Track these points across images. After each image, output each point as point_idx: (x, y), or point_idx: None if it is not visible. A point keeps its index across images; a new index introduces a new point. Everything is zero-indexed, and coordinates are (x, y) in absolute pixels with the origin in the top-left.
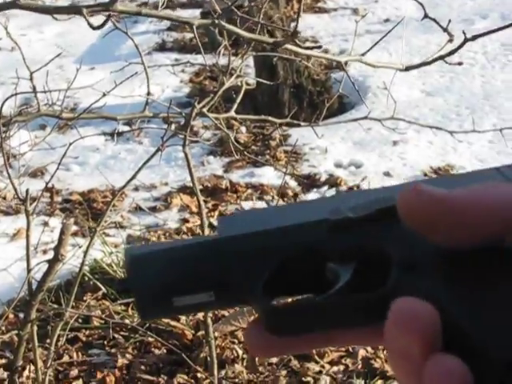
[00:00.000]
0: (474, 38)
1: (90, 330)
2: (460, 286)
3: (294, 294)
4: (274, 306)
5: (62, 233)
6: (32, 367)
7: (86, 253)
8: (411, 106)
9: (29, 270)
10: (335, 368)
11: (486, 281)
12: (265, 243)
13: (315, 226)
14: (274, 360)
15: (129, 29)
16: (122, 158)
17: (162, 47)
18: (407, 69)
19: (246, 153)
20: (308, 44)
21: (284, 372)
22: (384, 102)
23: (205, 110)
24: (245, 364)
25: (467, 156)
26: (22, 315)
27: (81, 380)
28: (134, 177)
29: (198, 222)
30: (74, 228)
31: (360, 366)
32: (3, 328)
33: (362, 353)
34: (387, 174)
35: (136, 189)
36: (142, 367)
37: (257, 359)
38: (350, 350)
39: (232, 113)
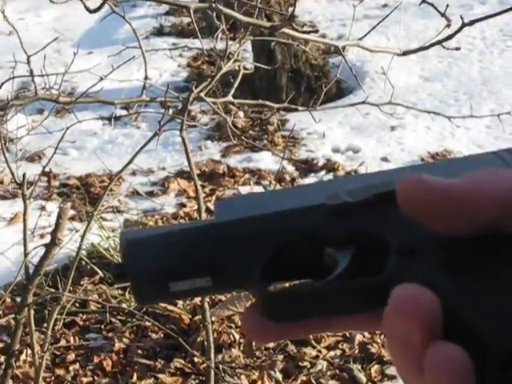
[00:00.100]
0: (472, 22)
1: (87, 315)
2: (460, 273)
3: (292, 279)
4: (271, 291)
5: (59, 217)
6: (29, 351)
7: (83, 237)
8: (409, 92)
9: (26, 254)
10: (332, 353)
11: (486, 268)
12: (262, 228)
13: (313, 211)
14: (271, 345)
15: (127, 13)
16: (120, 143)
17: (159, 31)
18: (405, 53)
19: (243, 137)
20: (306, 29)
21: (281, 357)
22: (382, 87)
23: (202, 94)
24: (242, 348)
25: (465, 141)
26: (19, 299)
27: (78, 364)
28: (131, 161)
29: (196, 207)
30: (72, 212)
31: (357, 351)
32: (0, 312)
33: (358, 338)
34: (385, 159)
35: (133, 173)
36: (139, 351)
37: (254, 344)
38: (347, 334)
39: (229, 97)
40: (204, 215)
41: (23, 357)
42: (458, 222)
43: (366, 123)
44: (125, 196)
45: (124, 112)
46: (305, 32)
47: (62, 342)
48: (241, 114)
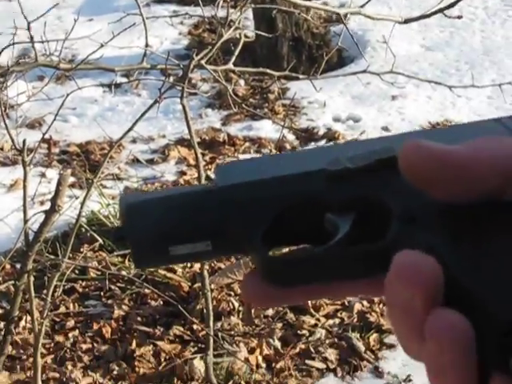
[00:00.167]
0: None
1: (86, 282)
2: (461, 241)
3: (292, 244)
4: (272, 256)
5: (59, 183)
6: (28, 317)
7: (82, 204)
8: (411, 61)
9: (26, 221)
10: (331, 321)
11: (486, 235)
12: (263, 192)
13: (313, 176)
14: (270, 313)
15: None
16: (120, 110)
17: None
18: (406, 21)
19: (244, 105)
20: None
21: (280, 325)
22: (383, 56)
23: (203, 61)
24: (241, 316)
25: (466, 111)
26: (18, 266)
27: (77, 331)
28: (131, 128)
29: (196, 175)
30: (72, 179)
31: (355, 320)
32: (0, 278)
33: (357, 307)
34: (385, 129)
35: (133, 141)
36: (139, 318)
37: (253, 312)
38: (346, 303)
39: (230, 65)
40: (204, 183)
41: (23, 323)
42: (457, 189)
43: (366, 92)
44: (125, 163)
45: (124, 79)
46: None
47: (62, 309)
48: (241, 82)
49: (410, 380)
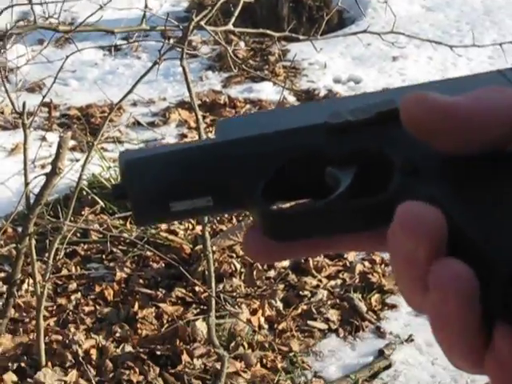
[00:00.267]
0: None
1: (88, 244)
2: (464, 191)
3: (294, 199)
4: (273, 210)
5: (59, 146)
6: (30, 280)
7: (83, 167)
8: (411, 21)
9: (26, 184)
10: (332, 282)
11: (491, 185)
12: (264, 146)
13: (314, 129)
14: (272, 274)
15: None
16: (120, 73)
17: None
18: None
19: (244, 66)
20: None
21: (281, 286)
22: (384, 17)
23: (202, 22)
24: (242, 278)
25: (467, 72)
26: (20, 229)
27: (79, 293)
28: (131, 90)
29: (196, 137)
30: (72, 143)
31: (357, 281)
32: (1, 242)
33: (359, 267)
34: None
35: (134, 104)
36: (141, 281)
37: (254, 273)
38: (348, 264)
39: (230, 26)
40: (205, 138)
41: (25, 286)
42: (460, 140)
43: (367, 53)
44: (126, 126)
45: (124, 42)
46: None
47: (64, 272)
48: (242, 44)
49: (411, 340)
